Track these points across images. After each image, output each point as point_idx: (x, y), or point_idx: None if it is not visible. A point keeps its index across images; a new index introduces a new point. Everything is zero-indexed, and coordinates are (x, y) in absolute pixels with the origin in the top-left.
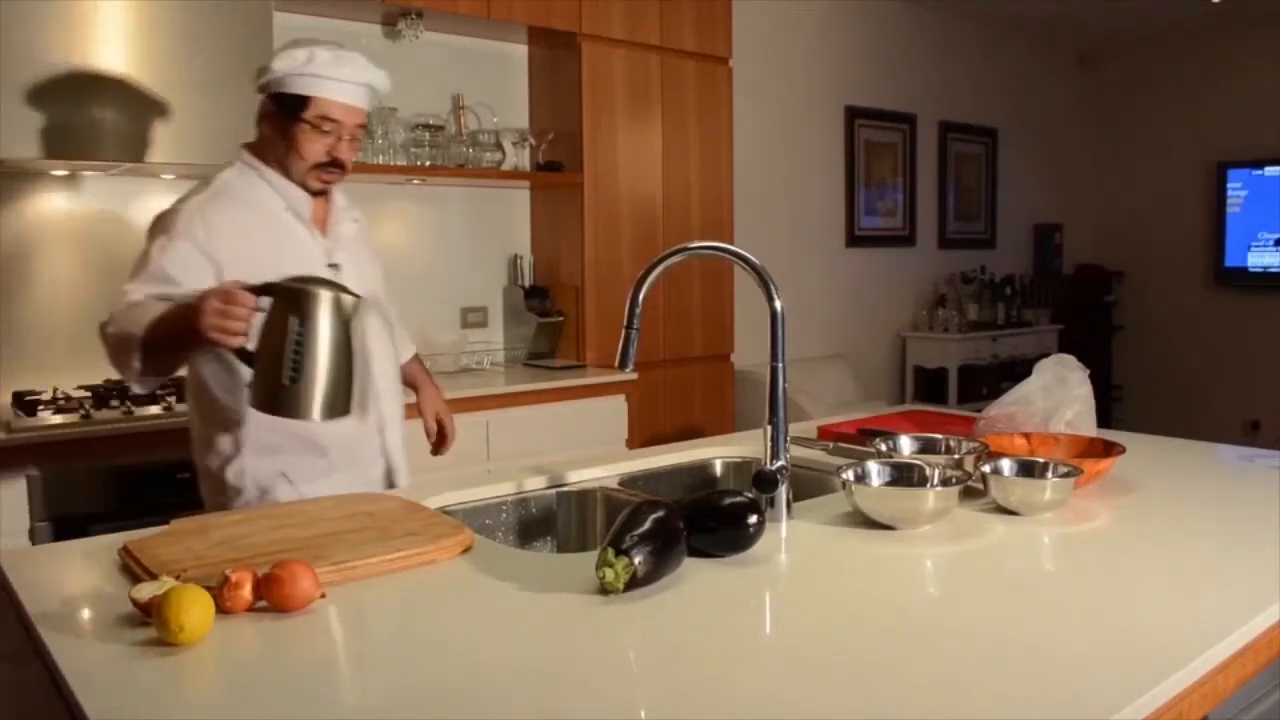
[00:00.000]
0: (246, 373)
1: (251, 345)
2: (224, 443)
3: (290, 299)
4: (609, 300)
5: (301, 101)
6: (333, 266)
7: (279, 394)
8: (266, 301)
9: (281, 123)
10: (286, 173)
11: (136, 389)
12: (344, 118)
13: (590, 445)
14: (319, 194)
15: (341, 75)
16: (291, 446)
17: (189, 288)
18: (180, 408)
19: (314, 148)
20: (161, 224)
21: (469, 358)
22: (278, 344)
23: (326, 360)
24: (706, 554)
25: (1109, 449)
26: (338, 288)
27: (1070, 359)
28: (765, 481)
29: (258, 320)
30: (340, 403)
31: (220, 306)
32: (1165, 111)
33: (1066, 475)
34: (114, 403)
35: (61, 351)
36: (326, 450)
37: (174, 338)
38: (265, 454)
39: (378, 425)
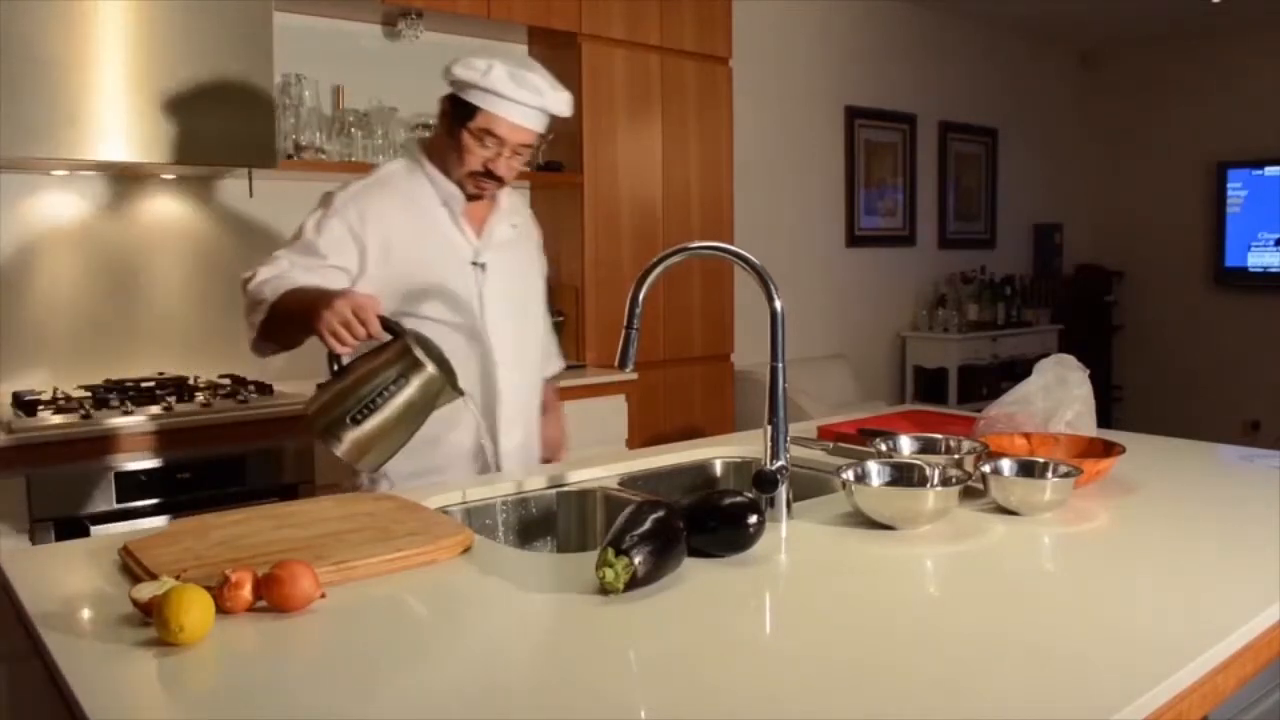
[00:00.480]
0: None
1: (347, 358)
2: None
3: (402, 354)
4: (609, 300)
5: (470, 111)
6: (477, 265)
7: (335, 421)
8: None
9: (451, 124)
10: (446, 171)
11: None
12: (508, 136)
13: (590, 445)
14: (473, 198)
15: (514, 95)
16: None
17: (332, 262)
18: (180, 408)
19: (472, 156)
20: (323, 201)
21: None
22: (365, 381)
23: (391, 424)
24: (706, 554)
25: (1109, 449)
26: (448, 373)
27: (1070, 359)
28: (765, 481)
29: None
30: (373, 460)
31: (347, 316)
32: (1165, 111)
33: (1066, 475)
34: (114, 403)
35: (61, 351)
36: (438, 443)
37: (299, 315)
38: None
39: (490, 431)
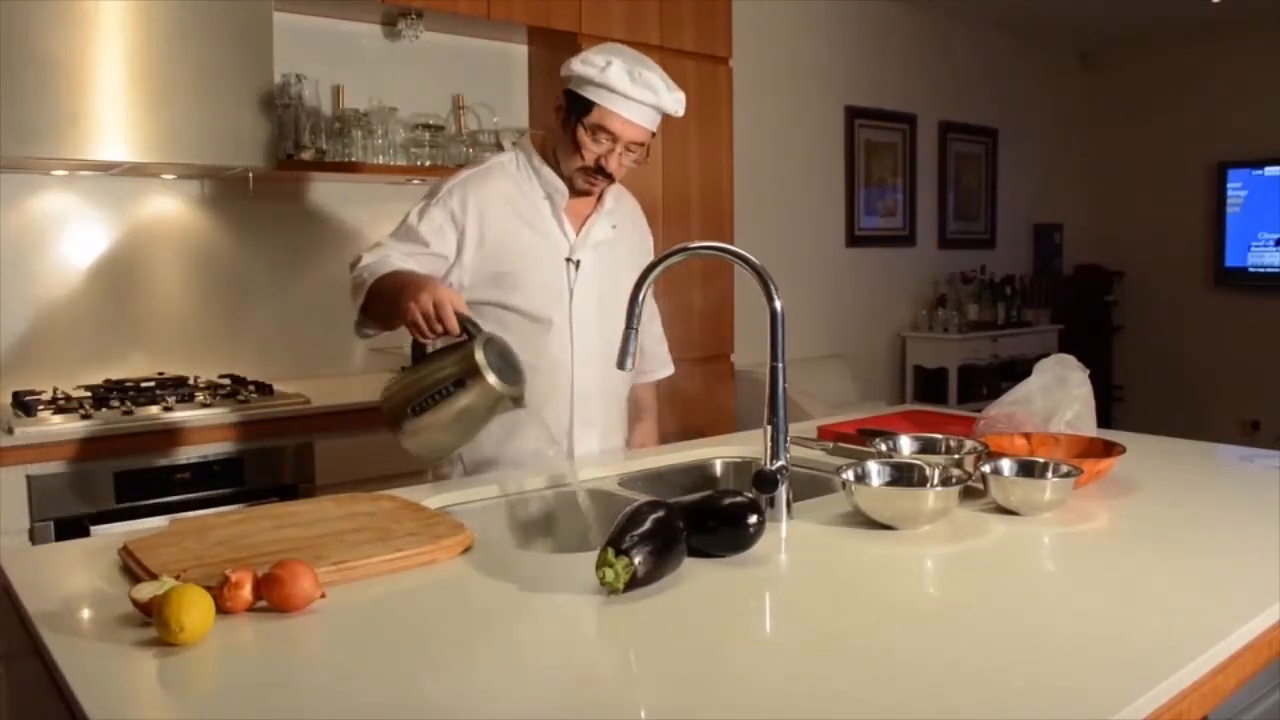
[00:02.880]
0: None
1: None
2: None
3: (466, 359)
4: None
5: (586, 107)
6: (570, 262)
7: (397, 408)
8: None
9: (565, 118)
10: (556, 165)
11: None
12: (621, 132)
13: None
14: (581, 193)
15: (630, 93)
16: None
17: (433, 249)
18: (180, 408)
19: (586, 152)
20: (432, 189)
21: None
22: (432, 376)
23: (446, 423)
24: (706, 554)
25: (1109, 449)
26: (513, 384)
27: (1070, 359)
28: (765, 481)
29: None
30: (430, 452)
31: (428, 310)
32: (1165, 111)
33: (1066, 475)
34: (114, 403)
35: (61, 351)
36: (509, 439)
37: (389, 299)
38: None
39: (566, 434)
